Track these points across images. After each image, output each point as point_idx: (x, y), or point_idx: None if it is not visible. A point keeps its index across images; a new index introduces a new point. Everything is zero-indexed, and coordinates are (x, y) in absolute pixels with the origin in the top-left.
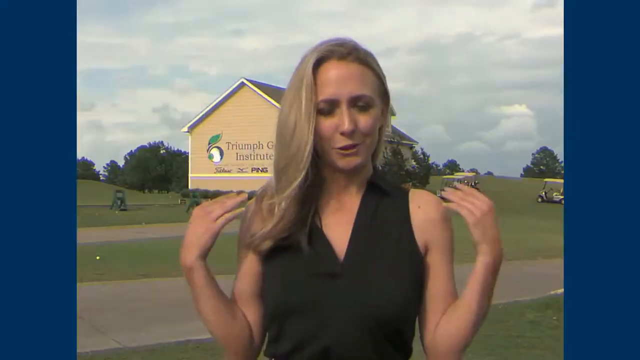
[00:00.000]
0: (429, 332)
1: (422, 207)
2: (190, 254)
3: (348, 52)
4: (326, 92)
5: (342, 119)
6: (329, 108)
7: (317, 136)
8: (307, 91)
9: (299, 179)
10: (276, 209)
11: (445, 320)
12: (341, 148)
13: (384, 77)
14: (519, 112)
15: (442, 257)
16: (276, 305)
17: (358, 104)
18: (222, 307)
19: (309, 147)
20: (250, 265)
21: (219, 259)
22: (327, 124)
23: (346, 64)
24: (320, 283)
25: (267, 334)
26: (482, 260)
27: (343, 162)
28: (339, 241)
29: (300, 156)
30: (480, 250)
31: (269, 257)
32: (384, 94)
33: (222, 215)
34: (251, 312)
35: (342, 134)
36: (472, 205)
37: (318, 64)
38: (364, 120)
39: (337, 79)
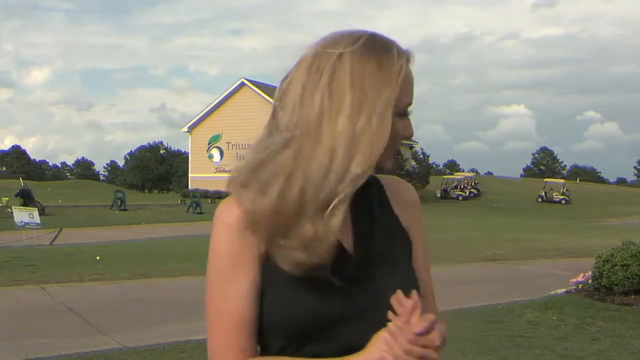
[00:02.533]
0: None
1: (398, 193)
2: None
3: (412, 56)
4: (410, 96)
5: (409, 124)
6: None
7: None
8: (395, 90)
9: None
10: (310, 232)
11: None
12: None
13: None
14: (518, 112)
15: (420, 242)
16: (306, 319)
17: None
18: None
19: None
20: (249, 285)
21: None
22: (401, 125)
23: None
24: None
25: None
26: None
27: (391, 163)
28: (345, 243)
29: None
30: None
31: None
32: None
33: None
34: (254, 342)
35: (407, 138)
36: None
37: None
38: None
39: (413, 84)
